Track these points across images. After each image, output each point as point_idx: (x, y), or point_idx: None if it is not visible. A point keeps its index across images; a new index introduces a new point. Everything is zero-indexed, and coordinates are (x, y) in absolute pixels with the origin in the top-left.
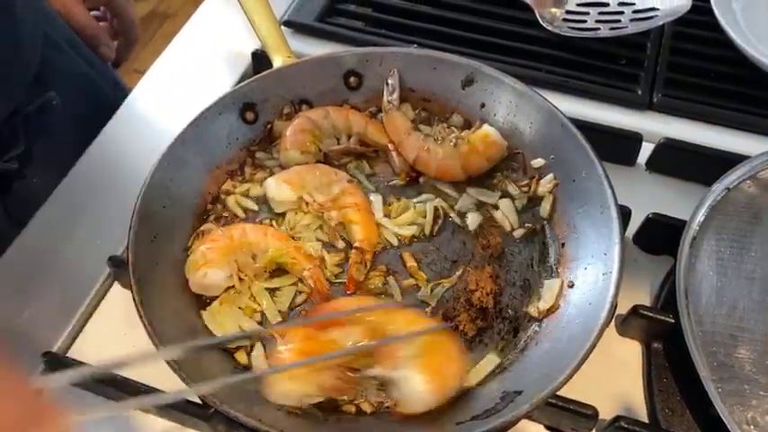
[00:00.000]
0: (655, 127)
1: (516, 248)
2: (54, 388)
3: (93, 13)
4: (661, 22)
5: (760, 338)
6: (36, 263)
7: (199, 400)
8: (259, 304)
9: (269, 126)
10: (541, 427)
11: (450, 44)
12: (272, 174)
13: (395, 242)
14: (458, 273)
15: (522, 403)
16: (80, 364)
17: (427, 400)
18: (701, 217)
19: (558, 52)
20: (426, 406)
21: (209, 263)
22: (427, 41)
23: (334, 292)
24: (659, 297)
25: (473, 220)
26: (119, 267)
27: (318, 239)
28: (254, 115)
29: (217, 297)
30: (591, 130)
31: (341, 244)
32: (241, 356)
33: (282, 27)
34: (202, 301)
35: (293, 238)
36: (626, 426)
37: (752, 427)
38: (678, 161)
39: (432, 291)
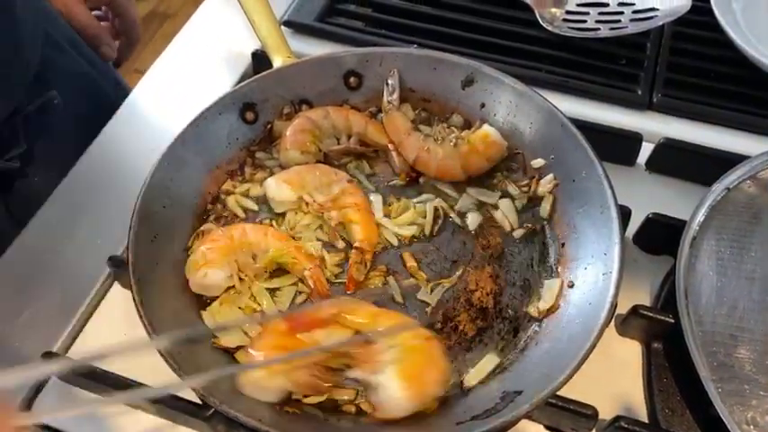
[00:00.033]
0: (655, 127)
1: (516, 248)
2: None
3: (94, 12)
4: (661, 23)
5: (760, 338)
6: (36, 263)
7: (199, 400)
8: (259, 304)
9: (269, 126)
10: (541, 427)
11: (450, 44)
12: (272, 174)
13: (395, 242)
14: (458, 273)
15: (522, 403)
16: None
17: (404, 406)
18: (701, 217)
19: (558, 52)
20: (404, 412)
21: (210, 263)
22: (427, 41)
23: (334, 292)
24: (659, 297)
25: (473, 220)
26: (119, 267)
27: (318, 239)
28: (254, 115)
29: (217, 297)
30: (591, 130)
31: (341, 244)
32: (242, 357)
33: (282, 27)
34: (202, 302)
35: (293, 238)
36: (626, 426)
37: (752, 427)
38: (678, 161)
39: (432, 291)
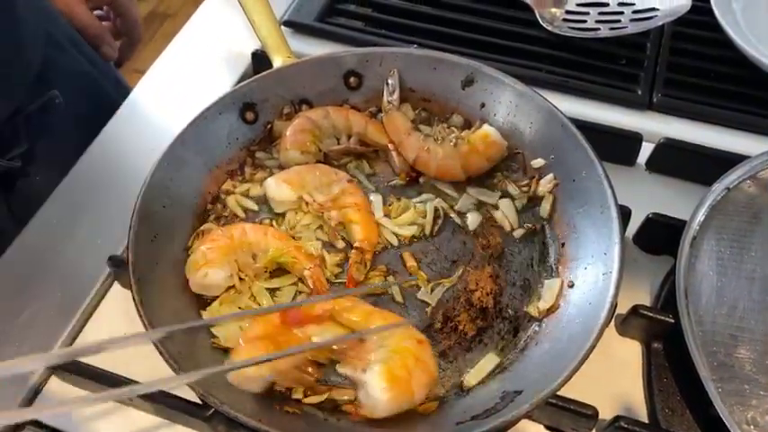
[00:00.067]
0: (655, 127)
1: (516, 248)
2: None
3: (95, 12)
4: (661, 23)
5: (760, 338)
6: (36, 262)
7: (198, 400)
8: (259, 304)
9: (269, 126)
10: (541, 427)
11: (451, 44)
12: (272, 174)
13: (395, 242)
14: (458, 273)
15: (522, 403)
16: (79, 365)
17: (383, 407)
18: (701, 217)
19: (558, 52)
20: (383, 413)
21: (210, 263)
22: (427, 41)
23: (333, 292)
24: (659, 297)
25: (473, 220)
26: (119, 267)
27: (318, 239)
28: (254, 115)
29: (217, 297)
30: (591, 130)
31: (341, 244)
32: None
33: (282, 27)
34: (202, 301)
35: (293, 237)
36: (626, 426)
37: (752, 427)
38: (678, 161)
39: (432, 291)
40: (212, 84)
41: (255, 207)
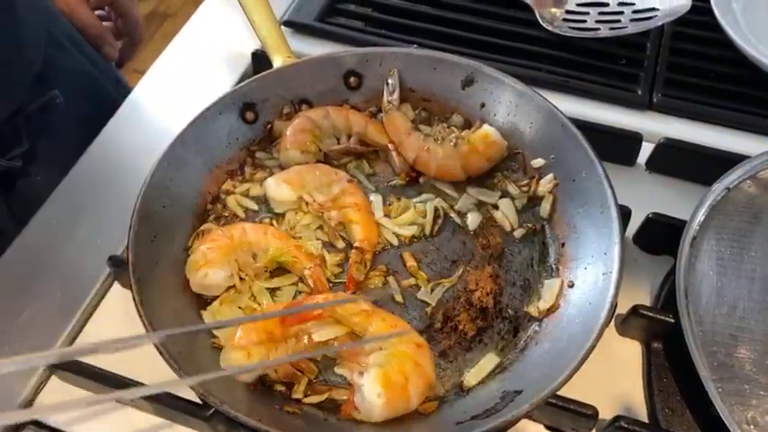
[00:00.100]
0: (655, 127)
1: (516, 248)
2: None
3: (97, 12)
4: (661, 22)
5: (760, 338)
6: (36, 262)
7: (199, 400)
8: (259, 304)
9: (269, 126)
10: (541, 426)
11: (451, 44)
12: (272, 174)
13: (395, 242)
14: (458, 272)
15: (522, 403)
16: (80, 365)
17: (377, 412)
18: (701, 217)
19: (558, 52)
20: (377, 417)
21: (210, 263)
22: (427, 41)
23: (334, 292)
24: (659, 297)
25: (473, 219)
26: (119, 267)
27: (318, 239)
28: (254, 115)
29: (217, 297)
30: (591, 130)
31: (341, 244)
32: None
33: (282, 27)
34: (203, 301)
35: (293, 237)
36: (626, 426)
37: (752, 426)
38: (678, 161)
39: (432, 290)
40: (212, 84)
41: (255, 207)
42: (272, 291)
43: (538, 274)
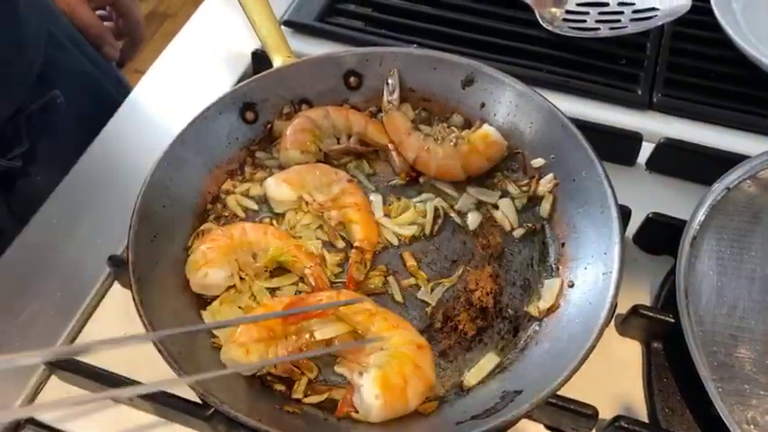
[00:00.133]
0: (655, 127)
1: (516, 248)
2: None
3: (98, 12)
4: (661, 22)
5: (760, 338)
6: (36, 262)
7: (199, 400)
8: (259, 304)
9: (269, 126)
10: (541, 426)
11: (451, 44)
12: (272, 173)
13: (395, 242)
14: (458, 272)
15: (522, 403)
16: (79, 364)
17: (377, 413)
18: (701, 217)
19: (558, 52)
20: (378, 419)
21: (210, 262)
22: (427, 41)
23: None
24: (659, 297)
25: (473, 219)
26: (119, 267)
27: (318, 239)
28: (254, 115)
29: (217, 297)
30: (591, 130)
31: (341, 244)
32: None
33: (282, 27)
34: (203, 301)
35: (293, 237)
36: (626, 425)
37: (752, 426)
38: (678, 161)
39: (432, 290)
40: (212, 84)
41: (255, 207)
42: (272, 290)
43: (538, 273)
